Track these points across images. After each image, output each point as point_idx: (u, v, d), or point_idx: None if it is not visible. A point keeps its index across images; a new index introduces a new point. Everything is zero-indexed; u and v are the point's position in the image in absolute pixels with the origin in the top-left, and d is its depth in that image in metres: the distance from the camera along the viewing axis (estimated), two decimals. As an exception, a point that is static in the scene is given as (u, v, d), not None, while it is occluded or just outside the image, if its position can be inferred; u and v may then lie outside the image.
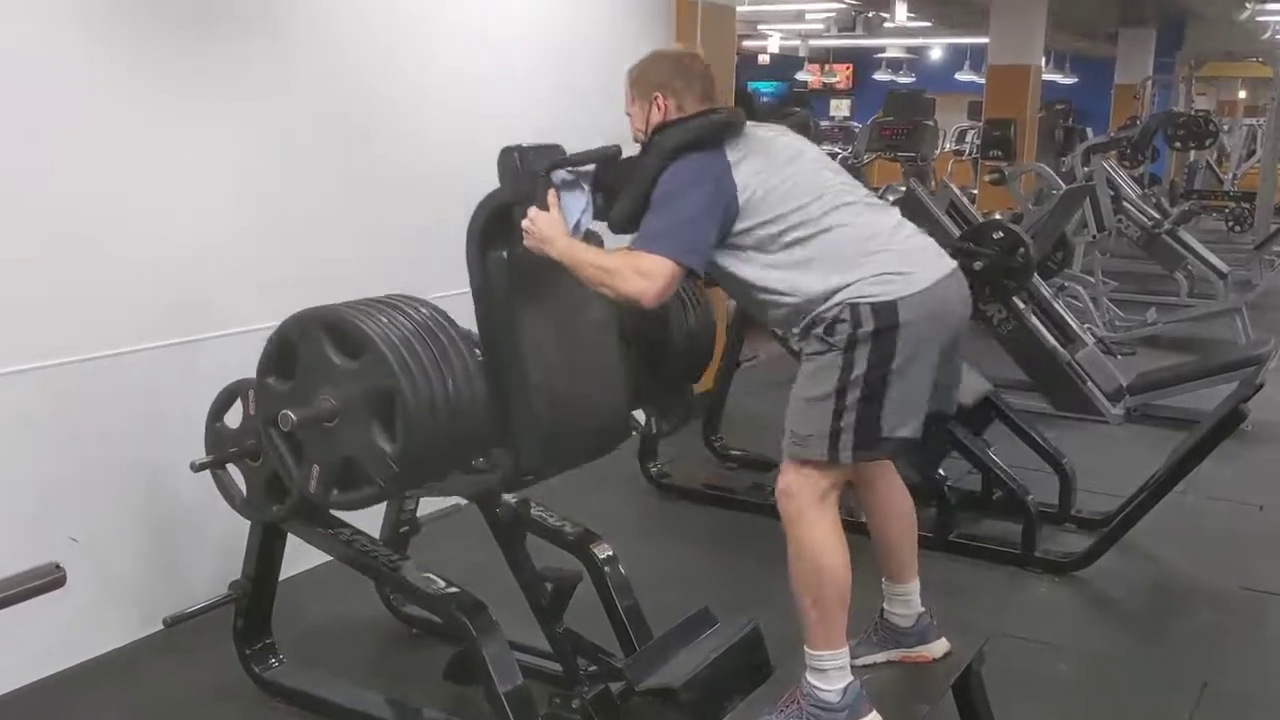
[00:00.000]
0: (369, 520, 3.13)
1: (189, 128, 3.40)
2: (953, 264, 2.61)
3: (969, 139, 16.63)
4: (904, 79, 20.11)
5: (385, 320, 2.47)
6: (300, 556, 3.33)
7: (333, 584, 3.53)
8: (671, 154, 2.52)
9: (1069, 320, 6.14)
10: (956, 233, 5.96)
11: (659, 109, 2.66)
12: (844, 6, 14.60)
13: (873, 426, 2.46)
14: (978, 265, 5.61)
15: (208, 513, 3.19)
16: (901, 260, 2.50)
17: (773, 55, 18.71)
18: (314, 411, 2.48)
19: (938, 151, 11.91)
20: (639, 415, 3.72)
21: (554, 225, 2.54)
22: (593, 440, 2.84)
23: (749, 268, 2.57)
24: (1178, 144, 12.51)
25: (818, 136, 9.11)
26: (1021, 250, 5.60)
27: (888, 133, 9.97)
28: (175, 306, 3.41)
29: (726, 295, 3.11)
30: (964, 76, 18.65)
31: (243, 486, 2.92)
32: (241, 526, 3.01)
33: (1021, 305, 5.77)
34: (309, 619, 3.51)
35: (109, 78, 3.19)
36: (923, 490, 4.29)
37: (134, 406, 3.32)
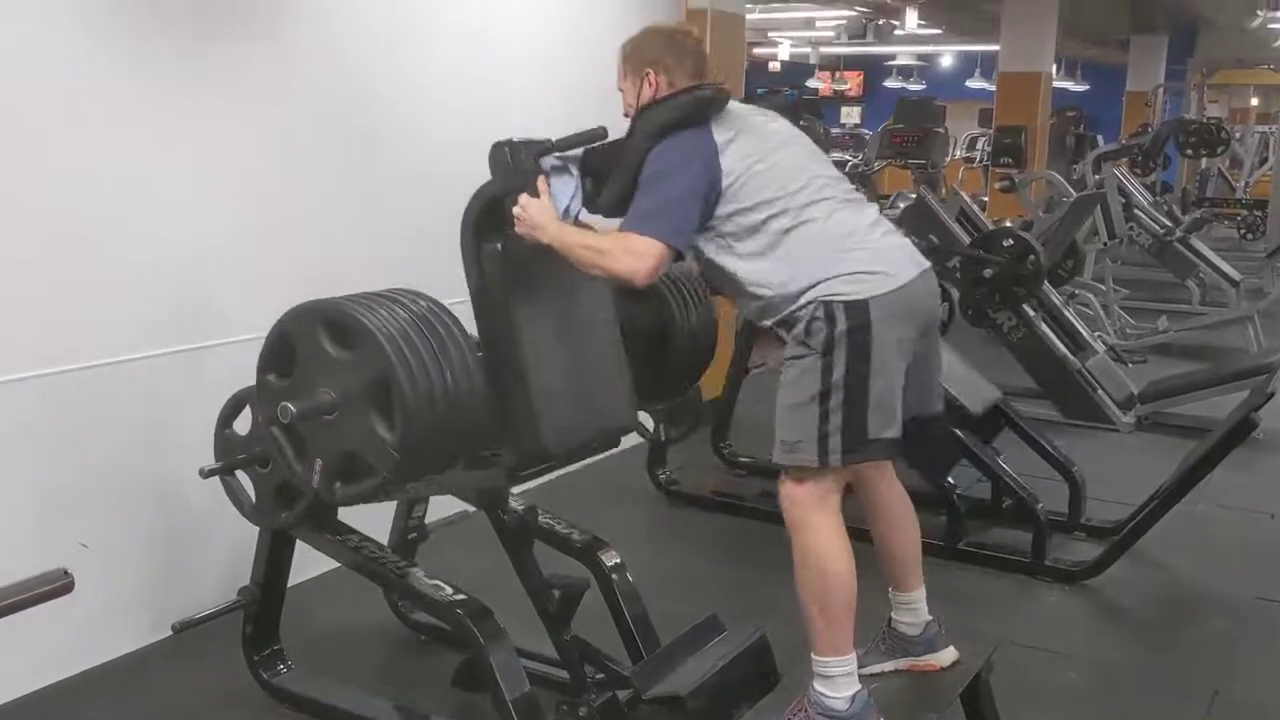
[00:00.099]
0: (377, 527, 3.13)
1: (190, 129, 3.40)
2: (925, 264, 2.63)
3: (980, 146, 16.61)
4: (915, 86, 20.11)
5: (382, 312, 2.48)
6: (309, 563, 3.33)
7: (341, 590, 3.53)
8: (658, 133, 2.54)
9: (1079, 328, 6.12)
10: (967, 240, 5.95)
11: (650, 85, 2.67)
12: (854, 14, 14.60)
13: (859, 428, 2.47)
14: (988, 273, 5.61)
15: (217, 519, 3.19)
16: (875, 259, 2.52)
17: (783, 62, 18.73)
18: (313, 404, 2.49)
19: (948, 159, 11.91)
20: (648, 422, 3.73)
21: (544, 211, 2.55)
22: (596, 432, 2.84)
23: (727, 257, 2.60)
24: (1189, 151, 12.47)
25: (828, 144, 9.09)
26: (1032, 258, 5.59)
27: (898, 140, 9.97)
28: (181, 313, 3.41)
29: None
30: (975, 84, 18.65)
31: (252, 493, 2.93)
32: (250, 533, 3.02)
33: (1032, 313, 5.76)
34: (317, 625, 3.51)
35: (109, 77, 3.18)
36: (932, 498, 4.31)
37: (142, 413, 3.33)
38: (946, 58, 21.52)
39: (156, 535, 3.43)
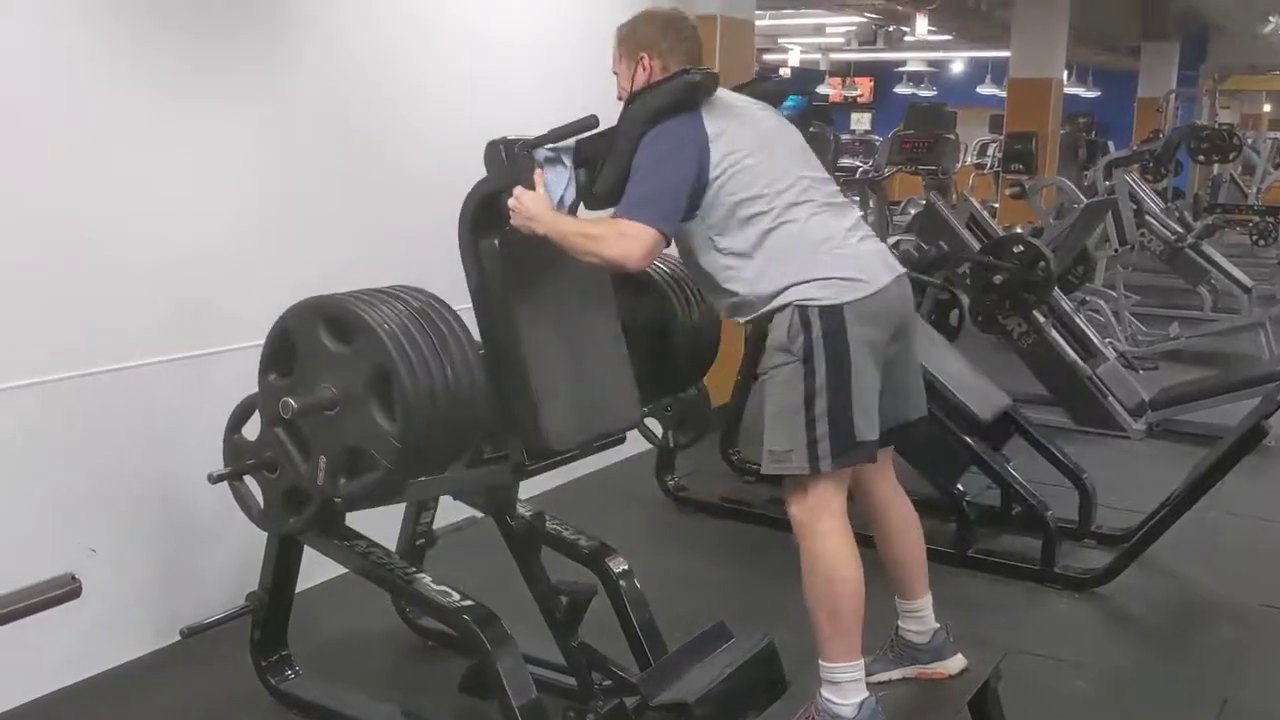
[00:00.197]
0: (385, 533, 3.13)
1: (195, 130, 3.41)
2: (899, 270, 2.66)
3: (990, 152, 16.58)
4: (925, 92, 20.08)
5: (382, 307, 2.49)
6: (317, 569, 3.34)
7: (349, 596, 3.54)
8: (649, 120, 2.55)
9: (1090, 334, 6.11)
10: (977, 246, 5.94)
11: (644, 70, 2.68)
12: (864, 20, 14.59)
13: (847, 431, 2.49)
14: (998, 279, 5.60)
15: (225, 525, 3.20)
16: (849, 265, 2.53)
17: (793, 69, 18.72)
18: (314, 399, 2.50)
19: (959, 165, 11.88)
20: (656, 427, 3.73)
21: (539, 202, 2.56)
22: (600, 428, 2.84)
23: (706, 250, 2.62)
24: (1201, 157, 12.43)
25: (837, 151, 9.09)
26: (1042, 264, 5.59)
27: (909, 146, 9.95)
28: (188, 318, 3.42)
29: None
30: (985, 90, 18.61)
31: (260, 499, 2.93)
32: (259, 538, 3.02)
33: (1042, 319, 5.75)
34: (325, 631, 3.51)
35: (110, 77, 3.19)
36: (941, 505, 4.30)
37: (151, 419, 3.34)
38: (957, 64, 21.48)
39: (165, 540, 3.44)
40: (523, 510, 3.10)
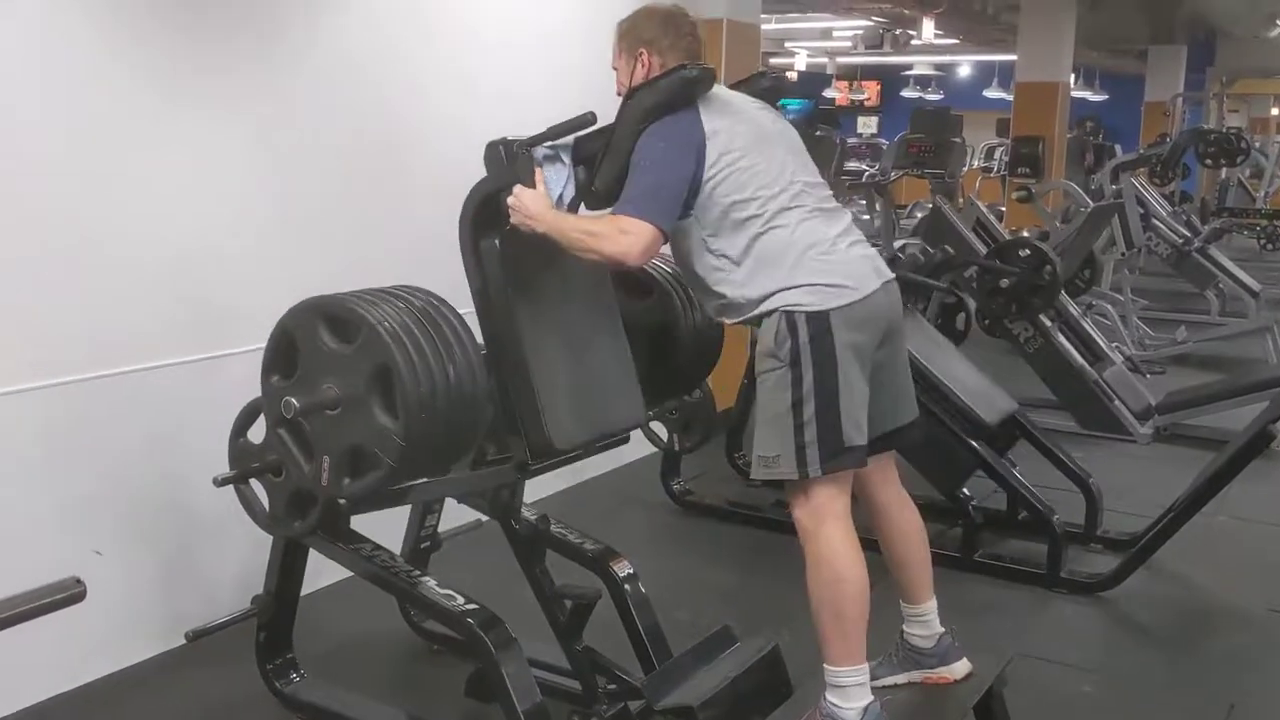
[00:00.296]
0: (391, 537, 3.13)
1: (200, 131, 3.42)
2: (888, 275, 2.66)
3: (997, 156, 16.56)
4: (932, 96, 20.07)
5: (382, 305, 2.49)
6: (322, 572, 3.34)
7: (355, 600, 3.54)
8: (646, 116, 2.55)
9: (1097, 338, 6.10)
10: (983, 250, 5.94)
11: (643, 65, 2.69)
12: (871, 24, 14.59)
13: (835, 437, 2.49)
14: (1004, 283, 5.60)
15: (231, 528, 3.20)
16: (837, 271, 2.54)
17: (800, 72, 18.72)
18: (316, 399, 2.50)
19: (965, 169, 11.87)
20: (661, 431, 3.73)
21: (538, 200, 2.57)
22: (604, 428, 2.85)
23: (700, 254, 2.62)
24: (1209, 161, 12.41)
25: (844, 154, 9.08)
26: (1048, 268, 5.58)
27: (915, 150, 9.94)
28: (196, 321, 3.43)
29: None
30: (992, 93, 18.59)
31: (265, 502, 2.93)
32: (264, 541, 3.02)
33: (1048, 323, 5.74)
34: (331, 634, 3.51)
35: (112, 77, 3.19)
36: (947, 509, 4.30)
37: (157, 422, 3.35)
38: (964, 67, 21.47)
39: (170, 543, 3.44)
40: (527, 514, 3.11)
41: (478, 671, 2.97)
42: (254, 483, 2.90)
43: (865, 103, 22.70)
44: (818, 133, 8.59)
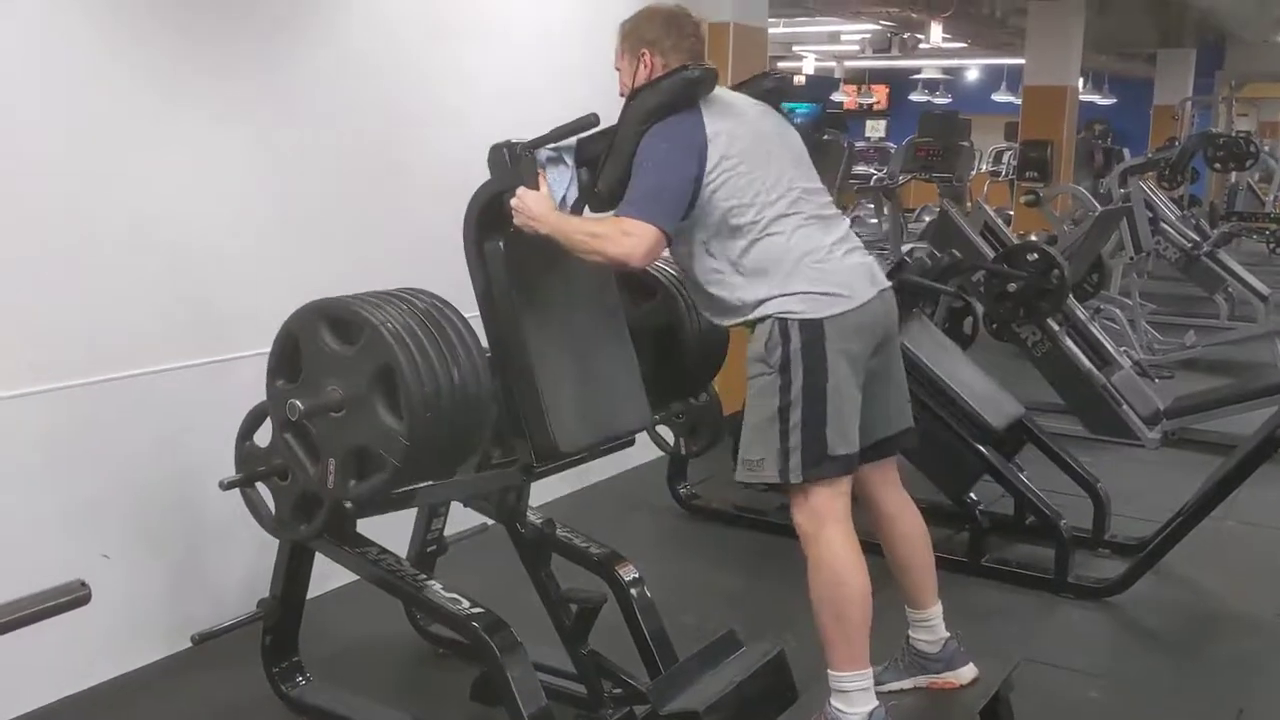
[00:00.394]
0: (397, 541, 3.13)
1: (206, 135, 3.43)
2: (884, 284, 2.67)
3: (1005, 160, 16.54)
4: (940, 100, 20.06)
5: (385, 307, 2.50)
6: (328, 576, 3.34)
7: (360, 603, 3.53)
8: (648, 118, 2.55)
9: (1105, 342, 6.08)
10: (991, 254, 5.93)
11: (645, 66, 2.69)
12: (879, 28, 14.57)
13: (819, 445, 2.49)
14: (1012, 287, 5.59)
15: (237, 531, 3.20)
16: (831, 280, 2.54)
17: (808, 76, 18.72)
18: (321, 401, 2.50)
19: (973, 172, 11.86)
20: (668, 435, 3.72)
21: (541, 202, 2.57)
22: (609, 430, 2.85)
23: (698, 257, 2.63)
24: (1217, 165, 12.38)
25: (851, 158, 9.06)
26: (1056, 272, 5.56)
27: (923, 153, 9.93)
28: (202, 325, 3.44)
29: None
30: (1001, 97, 18.57)
31: (271, 505, 2.94)
32: (270, 545, 3.02)
33: (1056, 327, 5.73)
34: (336, 638, 3.52)
35: (115, 78, 3.19)
36: (954, 514, 4.29)
37: (164, 425, 3.36)
38: (972, 71, 21.46)
39: (176, 547, 3.45)
40: (533, 517, 3.10)
41: (483, 675, 2.97)
42: (260, 486, 2.91)
43: (874, 106, 22.71)
44: (825, 136, 8.56)
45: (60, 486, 3.11)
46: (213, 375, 3.44)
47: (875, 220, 9.23)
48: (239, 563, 3.48)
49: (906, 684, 2.78)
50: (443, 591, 2.77)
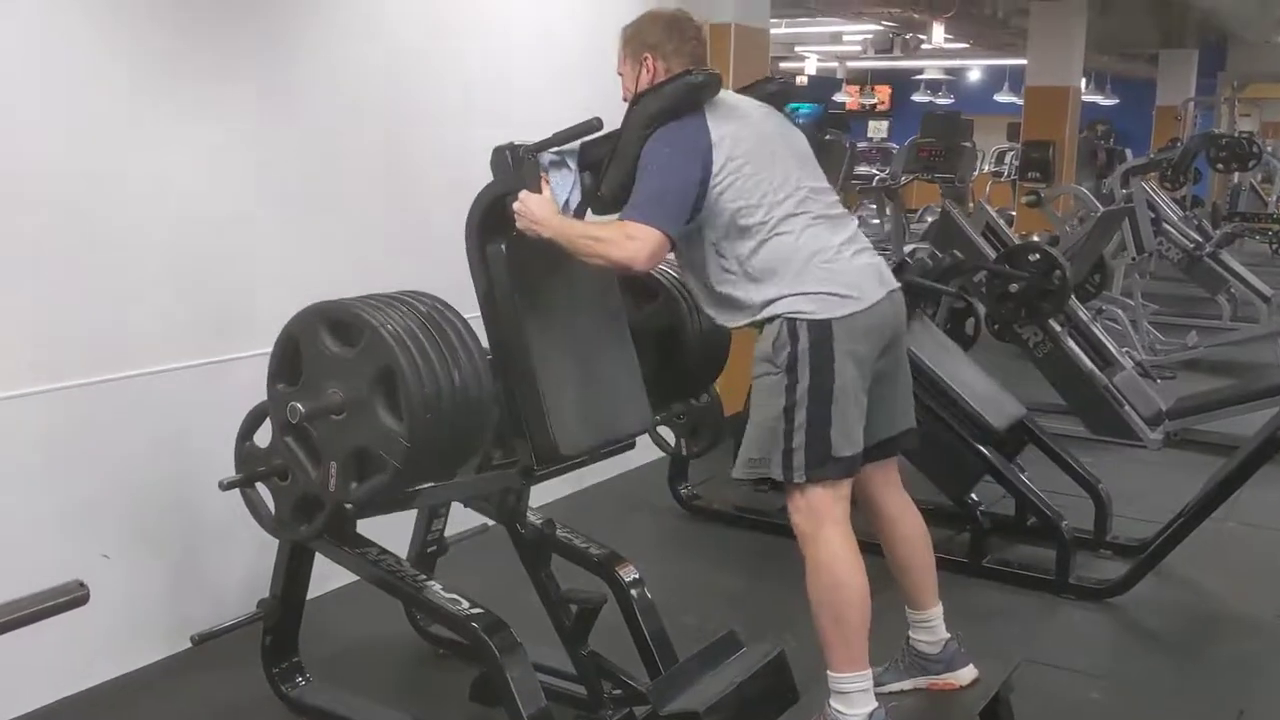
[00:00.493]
0: (397, 541, 3.13)
1: (210, 135, 3.43)
2: (894, 284, 2.66)
3: (1008, 160, 16.53)
4: (943, 100, 20.05)
5: (385, 309, 2.50)
6: (328, 576, 3.34)
7: (361, 604, 3.53)
8: (652, 122, 2.55)
9: (1107, 343, 6.08)
10: (992, 255, 5.92)
11: (648, 71, 2.69)
12: (881, 28, 14.57)
13: (823, 446, 2.49)
14: (1014, 288, 5.58)
15: (236, 531, 3.20)
16: (840, 280, 2.53)
17: (810, 77, 18.71)
18: (321, 404, 2.51)
19: (976, 173, 11.84)
20: (669, 436, 3.72)
21: (544, 205, 2.57)
22: (610, 433, 2.84)
23: (707, 260, 2.62)
24: (1220, 166, 12.37)
25: (853, 158, 9.05)
26: (1058, 273, 5.56)
27: (926, 154, 9.92)
28: (202, 325, 3.44)
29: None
30: (1003, 98, 18.56)
31: (271, 505, 2.94)
32: (270, 545, 3.02)
33: (1058, 328, 5.72)
34: (336, 638, 3.51)
35: (119, 78, 3.19)
36: (955, 515, 4.28)
37: (164, 425, 3.35)
38: (975, 72, 21.45)
39: (176, 547, 3.45)
40: (533, 518, 3.10)
41: (483, 676, 2.97)
42: (260, 486, 2.91)
43: (876, 107, 22.70)
44: (827, 137, 8.55)
45: (59, 486, 3.11)
46: (212, 376, 3.44)
47: (877, 221, 9.22)
48: (239, 563, 3.48)
49: (906, 685, 2.78)
50: (442, 592, 2.77)
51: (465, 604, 2.71)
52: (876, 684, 2.59)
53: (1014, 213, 11.23)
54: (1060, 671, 3.47)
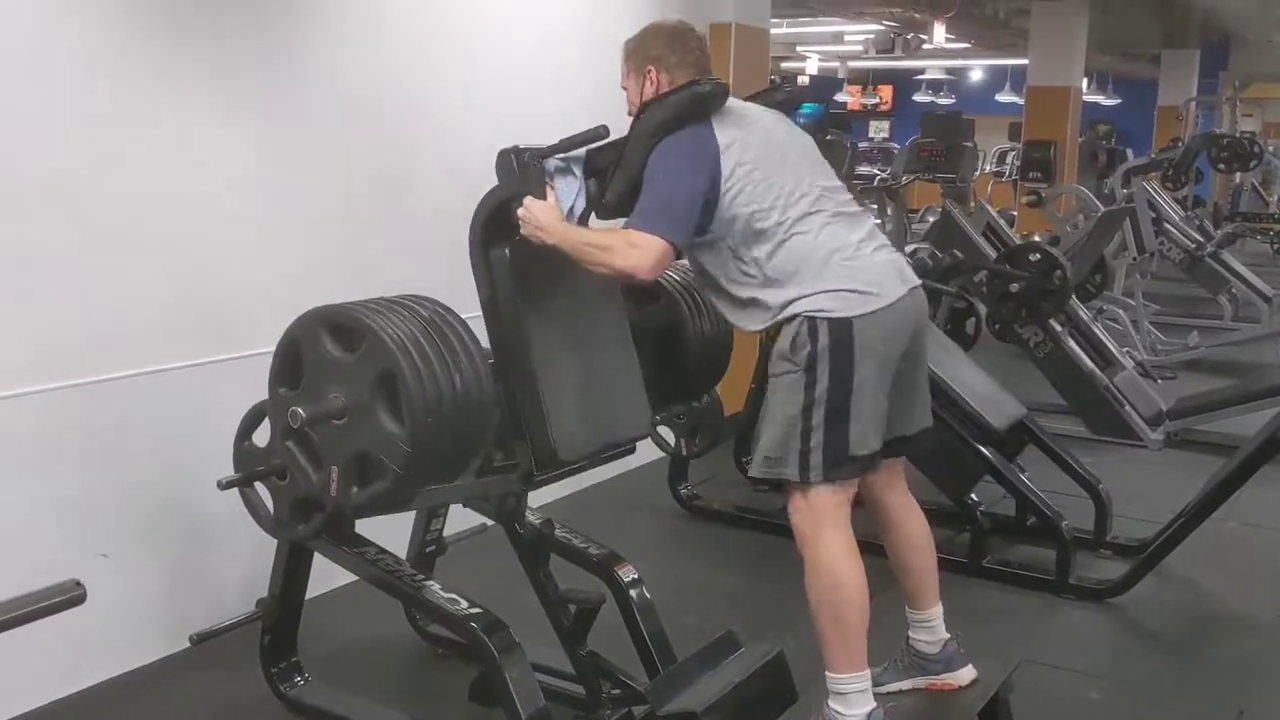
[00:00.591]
0: (396, 540, 3.13)
1: (211, 136, 3.43)
2: (914, 281, 2.65)
3: (1009, 160, 16.52)
4: (944, 100, 20.04)
5: (386, 313, 2.50)
6: (327, 575, 3.34)
7: (359, 603, 3.53)
8: (658, 131, 2.54)
9: (1107, 343, 6.08)
10: (993, 254, 5.92)
11: (651, 83, 2.69)
12: (882, 28, 14.56)
13: (841, 445, 2.48)
14: (1014, 287, 5.58)
15: (235, 531, 3.20)
16: (861, 277, 2.52)
17: (811, 77, 18.70)
18: (322, 408, 2.50)
19: (977, 173, 11.84)
20: (669, 435, 3.72)
21: (548, 212, 2.56)
22: (610, 438, 2.84)
23: (725, 265, 2.62)
24: (1221, 166, 12.36)
25: (855, 158, 9.06)
26: (1058, 273, 5.56)
27: (927, 154, 9.93)
28: (202, 325, 3.44)
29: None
30: (1004, 98, 18.55)
31: (270, 505, 2.93)
32: (268, 545, 3.02)
33: (1059, 328, 5.72)
34: (335, 638, 3.51)
35: (123, 77, 3.19)
36: (955, 515, 4.28)
37: (163, 425, 3.35)
38: (976, 72, 21.44)
39: (175, 546, 3.44)
40: (532, 518, 3.10)
41: (481, 676, 2.97)
42: (259, 485, 2.91)
43: (878, 107, 22.69)
44: (828, 137, 8.56)
45: (57, 485, 3.11)
46: (212, 375, 3.43)
47: (878, 221, 9.22)
48: (237, 562, 3.48)
49: (905, 685, 2.78)
50: (441, 592, 2.76)
51: (464, 604, 2.71)
52: (875, 684, 2.59)
53: (1015, 213, 11.23)
54: (1060, 671, 3.47)
